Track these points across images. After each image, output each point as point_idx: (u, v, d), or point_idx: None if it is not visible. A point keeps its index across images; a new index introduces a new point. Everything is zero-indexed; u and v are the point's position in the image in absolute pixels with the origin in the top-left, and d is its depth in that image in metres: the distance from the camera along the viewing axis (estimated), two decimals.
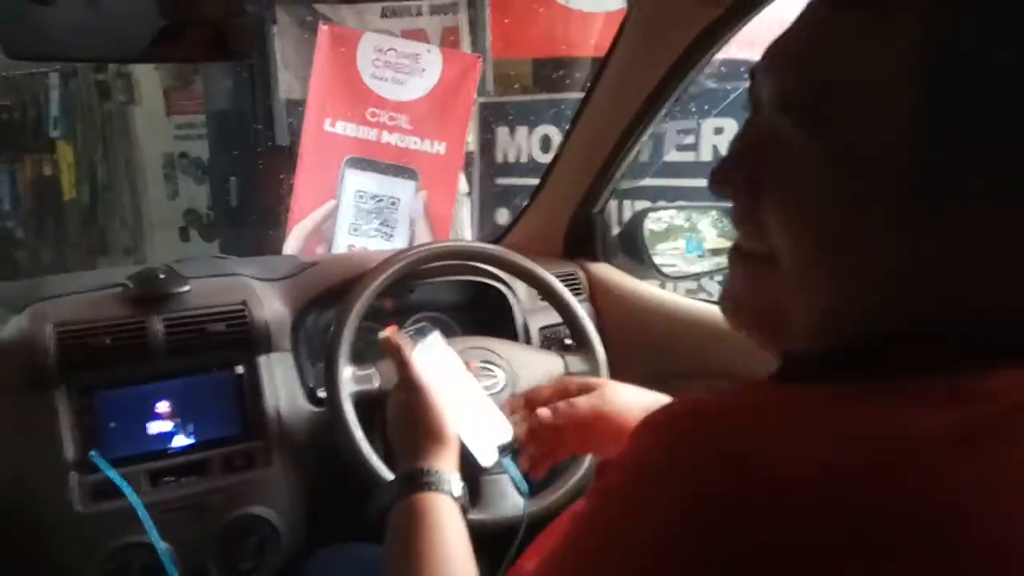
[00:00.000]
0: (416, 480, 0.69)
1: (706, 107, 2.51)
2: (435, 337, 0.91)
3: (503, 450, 0.86)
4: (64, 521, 0.90)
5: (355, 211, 2.85)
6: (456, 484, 0.71)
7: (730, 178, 0.43)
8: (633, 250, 1.33)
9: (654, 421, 0.38)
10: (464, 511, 0.70)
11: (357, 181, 2.81)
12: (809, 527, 0.31)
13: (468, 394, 0.89)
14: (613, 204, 1.45)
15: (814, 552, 0.31)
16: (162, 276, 1.01)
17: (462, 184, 2.97)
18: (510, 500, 0.91)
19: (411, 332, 0.91)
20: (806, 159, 0.39)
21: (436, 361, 0.89)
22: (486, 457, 0.85)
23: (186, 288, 1.00)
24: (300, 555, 1.01)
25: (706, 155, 2.66)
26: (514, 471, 0.87)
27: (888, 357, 0.37)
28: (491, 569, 0.78)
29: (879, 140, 0.36)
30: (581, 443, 0.85)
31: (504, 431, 0.88)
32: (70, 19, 0.66)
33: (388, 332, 0.85)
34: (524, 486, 0.86)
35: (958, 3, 0.35)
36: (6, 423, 0.91)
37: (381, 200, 2.84)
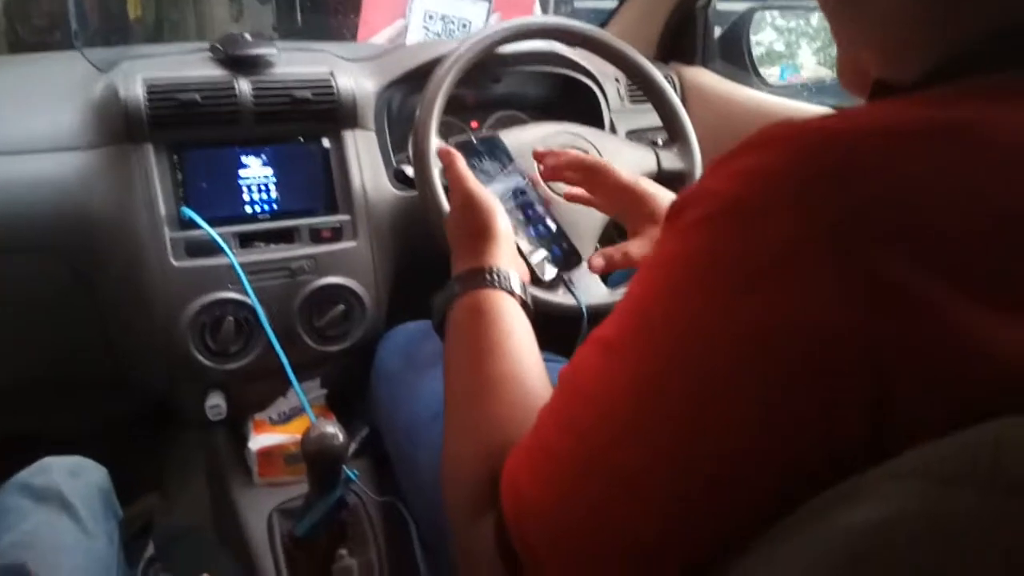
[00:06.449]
0: (475, 278, 0.66)
1: None
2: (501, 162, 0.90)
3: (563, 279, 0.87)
4: (161, 274, 0.92)
5: (423, 34, 2.74)
6: (516, 281, 0.67)
7: None
8: (734, 54, 1.24)
9: (776, 136, 0.36)
10: (526, 307, 0.66)
11: (426, 1, 2.68)
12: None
13: (532, 218, 0.88)
14: None
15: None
16: (249, 38, 0.98)
17: (536, 8, 2.81)
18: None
19: (476, 142, 0.90)
20: None
21: (499, 184, 0.88)
22: (546, 272, 0.85)
23: (273, 51, 0.97)
24: (382, 330, 1.04)
25: None
26: (574, 288, 0.85)
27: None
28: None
29: None
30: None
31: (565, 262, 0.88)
32: None
33: (444, 144, 0.85)
34: (582, 303, 0.84)
35: None
36: (106, 177, 0.92)
37: (451, 23, 2.71)
